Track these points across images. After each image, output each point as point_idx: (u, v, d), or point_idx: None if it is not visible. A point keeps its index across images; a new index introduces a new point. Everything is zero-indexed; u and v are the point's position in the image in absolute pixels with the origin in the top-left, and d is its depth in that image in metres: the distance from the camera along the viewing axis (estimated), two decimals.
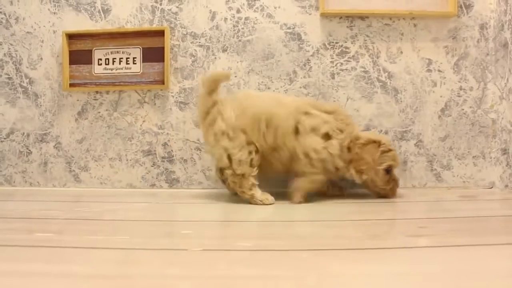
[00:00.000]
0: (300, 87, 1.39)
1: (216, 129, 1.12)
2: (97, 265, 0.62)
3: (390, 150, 1.14)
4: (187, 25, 1.41)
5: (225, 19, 1.40)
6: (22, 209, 1.07)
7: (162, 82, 1.39)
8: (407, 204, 1.13)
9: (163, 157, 1.41)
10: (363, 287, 0.53)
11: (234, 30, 1.40)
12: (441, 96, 1.39)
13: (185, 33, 1.41)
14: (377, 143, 1.13)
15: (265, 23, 1.40)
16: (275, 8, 1.40)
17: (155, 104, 1.41)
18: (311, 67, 1.39)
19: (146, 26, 1.41)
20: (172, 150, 1.41)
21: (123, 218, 0.97)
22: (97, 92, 1.42)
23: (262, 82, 1.39)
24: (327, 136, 1.11)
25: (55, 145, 1.43)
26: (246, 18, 1.40)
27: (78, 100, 1.42)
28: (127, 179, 1.41)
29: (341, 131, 1.12)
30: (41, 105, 1.43)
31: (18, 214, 1.00)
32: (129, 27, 1.41)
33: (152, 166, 1.41)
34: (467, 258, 0.64)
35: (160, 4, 1.41)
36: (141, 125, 1.41)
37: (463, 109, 1.39)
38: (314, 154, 1.09)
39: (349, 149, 1.13)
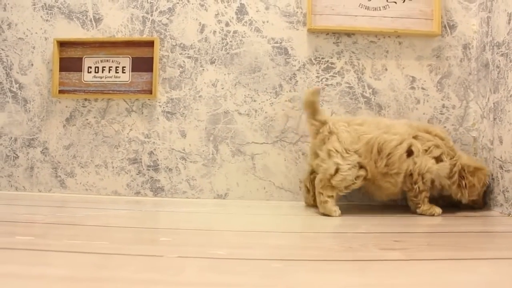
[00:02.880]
0: (286, 101, 1.41)
1: (330, 146, 1.19)
2: (73, 268, 0.63)
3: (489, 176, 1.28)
4: (177, 36, 1.43)
5: (214, 31, 1.43)
6: (5, 213, 1.08)
7: (150, 91, 1.41)
8: (387, 218, 1.15)
9: (148, 166, 1.42)
10: None
11: (222, 43, 1.43)
12: (424, 113, 1.42)
13: (174, 44, 1.43)
14: (483, 170, 1.25)
15: (253, 37, 1.42)
16: (263, 22, 1.43)
17: (142, 113, 1.43)
18: (297, 81, 1.42)
19: (136, 36, 1.43)
20: (157, 159, 1.42)
21: (105, 224, 0.98)
22: (85, 99, 1.44)
23: (248, 94, 1.42)
24: (438, 159, 1.21)
25: (42, 150, 1.45)
26: (235, 32, 1.43)
27: (66, 106, 1.44)
28: (112, 186, 1.42)
29: (452, 157, 1.23)
30: (29, 111, 1.45)
31: (1, 217, 1.01)
32: (120, 36, 1.43)
33: (137, 174, 1.42)
34: (436, 272, 0.66)
35: (151, 15, 1.44)
36: (128, 134, 1.43)
37: (445, 127, 1.42)
38: (428, 173, 1.19)
39: (460, 175, 1.23)
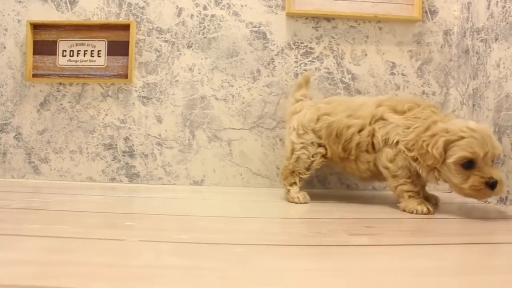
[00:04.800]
0: (263, 86, 1.39)
1: (290, 124, 1.20)
2: (29, 252, 0.61)
3: (461, 138, 0.93)
4: (154, 20, 1.41)
5: (192, 15, 1.40)
6: None
7: (126, 76, 1.39)
8: (364, 205, 1.14)
9: (124, 152, 1.40)
10: (285, 280, 0.53)
11: (200, 27, 1.40)
12: None
13: (151, 28, 1.40)
14: (443, 132, 0.95)
15: (231, 21, 1.40)
16: (241, 6, 1.40)
17: (118, 98, 1.41)
18: (275, 66, 1.39)
19: (112, 20, 1.40)
20: (133, 145, 1.40)
21: (73, 209, 0.96)
22: (60, 83, 1.41)
23: (225, 79, 1.39)
24: (395, 144, 1.05)
25: (15, 135, 1.42)
26: (213, 16, 1.40)
27: (40, 91, 1.41)
28: (87, 172, 1.40)
29: (407, 127, 1.03)
30: (2, 95, 1.42)
31: None
32: (95, 19, 1.40)
33: (112, 160, 1.40)
34: (401, 256, 0.65)
35: None
36: (103, 119, 1.41)
37: None
38: (392, 166, 1.05)
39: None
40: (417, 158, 1.00)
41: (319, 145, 1.15)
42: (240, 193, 1.27)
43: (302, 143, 1.15)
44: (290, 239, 0.75)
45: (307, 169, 1.15)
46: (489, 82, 1.23)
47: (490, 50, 1.23)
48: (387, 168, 1.05)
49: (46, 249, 0.63)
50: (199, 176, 1.39)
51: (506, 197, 1.13)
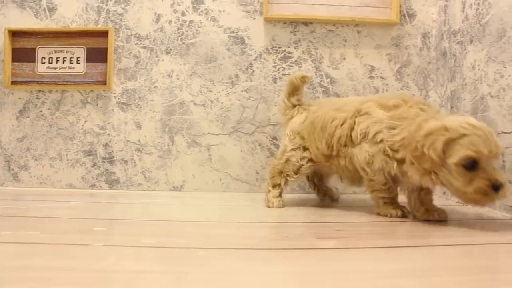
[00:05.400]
0: (242, 91, 1.39)
1: (285, 130, 1.20)
2: None
3: (463, 135, 0.82)
4: (132, 26, 1.41)
5: (170, 21, 1.41)
6: None
7: (105, 82, 1.39)
8: (341, 209, 1.14)
9: (103, 158, 1.40)
10: (239, 283, 0.53)
11: (178, 32, 1.41)
12: None
13: (130, 34, 1.41)
14: (442, 130, 0.84)
15: (209, 27, 1.40)
16: (219, 12, 1.40)
17: (97, 104, 1.41)
18: (253, 71, 1.40)
19: (91, 27, 1.41)
20: (113, 151, 1.40)
21: (47, 215, 0.97)
22: (39, 90, 1.41)
23: (204, 85, 1.40)
24: (376, 142, 0.96)
25: None
26: (191, 21, 1.41)
27: (20, 98, 1.41)
28: (67, 179, 1.40)
29: (393, 128, 0.94)
30: None
31: None
32: (74, 26, 1.41)
33: (92, 166, 1.40)
34: (367, 259, 0.65)
35: (106, 5, 1.41)
36: (82, 125, 1.41)
37: None
38: (368, 169, 0.98)
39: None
40: (403, 160, 0.90)
41: (304, 149, 1.14)
42: (219, 198, 1.27)
43: (293, 146, 1.15)
44: (257, 243, 0.75)
45: (296, 172, 1.13)
46: (465, 84, 1.23)
47: (466, 52, 1.23)
48: (363, 170, 0.99)
49: (10, 254, 0.63)
50: (179, 182, 1.39)
51: None
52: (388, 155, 0.94)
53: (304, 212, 1.07)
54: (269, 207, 1.12)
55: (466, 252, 0.70)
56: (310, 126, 1.12)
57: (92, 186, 1.40)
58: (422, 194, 0.98)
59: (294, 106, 1.22)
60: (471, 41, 1.20)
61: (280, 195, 1.14)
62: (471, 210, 1.11)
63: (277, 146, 1.39)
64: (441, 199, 1.25)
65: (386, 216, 0.99)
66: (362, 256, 0.67)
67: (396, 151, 0.93)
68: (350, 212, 1.09)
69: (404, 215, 0.98)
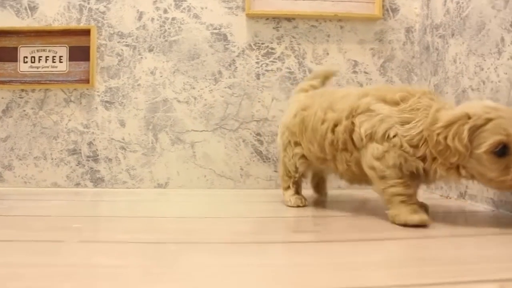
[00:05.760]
0: (225, 87, 1.39)
1: None
2: None
3: (488, 120, 0.75)
4: (115, 24, 1.41)
5: (152, 19, 1.40)
6: None
7: (88, 81, 1.39)
8: (328, 203, 1.14)
9: (88, 156, 1.40)
10: (205, 276, 0.53)
11: (160, 30, 1.40)
12: None
13: (112, 32, 1.40)
14: (464, 118, 0.76)
15: (191, 24, 1.40)
16: (202, 8, 1.40)
17: (81, 103, 1.40)
18: (236, 67, 1.40)
19: (73, 25, 1.40)
20: (97, 149, 1.40)
21: (26, 214, 0.96)
22: (22, 90, 1.41)
23: (187, 82, 1.40)
24: (389, 137, 0.84)
25: None
26: (173, 19, 1.40)
27: (2, 98, 1.41)
28: (52, 178, 1.40)
29: (407, 122, 0.83)
30: None
31: None
32: (56, 25, 1.40)
33: (77, 165, 1.40)
34: (339, 252, 0.65)
35: (88, 3, 1.41)
36: (66, 124, 1.40)
37: None
38: (379, 164, 0.84)
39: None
40: (424, 157, 0.81)
41: (296, 144, 1.04)
42: (203, 195, 1.26)
43: (282, 144, 1.08)
44: (232, 237, 0.75)
45: (295, 171, 1.06)
46: (447, 77, 1.23)
47: (448, 46, 1.23)
48: (373, 168, 0.85)
49: None
50: (163, 179, 1.39)
51: (465, 192, 1.13)
52: (406, 152, 0.81)
53: (288, 207, 1.06)
54: (288, 206, 1.05)
55: (441, 244, 0.70)
56: (301, 124, 1.02)
57: (77, 184, 1.40)
58: None
59: (303, 90, 1.14)
60: (453, 35, 1.21)
61: (297, 193, 1.08)
62: (454, 203, 1.11)
63: (261, 143, 1.39)
64: (425, 193, 1.25)
65: (403, 225, 0.80)
66: (334, 249, 0.67)
67: (416, 146, 0.81)
68: (334, 206, 1.09)
69: (424, 222, 0.80)
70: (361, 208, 1.07)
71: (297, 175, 1.06)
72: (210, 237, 0.75)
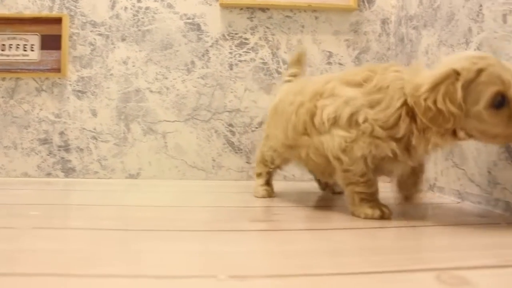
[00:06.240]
0: (198, 78, 1.38)
1: None
2: None
3: (480, 71, 0.67)
4: (87, 13, 1.39)
5: (125, 8, 1.39)
6: None
7: (60, 70, 1.37)
8: (296, 194, 1.13)
9: (59, 146, 1.39)
10: (147, 261, 0.53)
11: (134, 19, 1.39)
12: None
13: (85, 21, 1.39)
14: (452, 75, 0.67)
15: (165, 13, 1.39)
16: None
17: (52, 92, 1.39)
18: (209, 57, 1.38)
19: (44, 13, 1.39)
20: (68, 139, 1.39)
21: None
22: None
23: (160, 72, 1.38)
24: (357, 123, 0.76)
25: None
26: (147, 8, 1.39)
27: None
28: (22, 168, 1.39)
29: (377, 103, 0.75)
30: None
31: None
32: (28, 13, 1.39)
33: (48, 155, 1.39)
34: (287, 241, 0.65)
35: None
36: (38, 114, 1.39)
37: None
38: (345, 157, 0.77)
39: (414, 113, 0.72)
40: (407, 136, 0.73)
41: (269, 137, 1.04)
42: (174, 186, 1.26)
43: (264, 133, 1.08)
44: (187, 225, 0.75)
45: (271, 162, 1.03)
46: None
47: (421, 37, 1.23)
48: (338, 159, 0.78)
49: None
50: (135, 170, 1.38)
51: (434, 184, 1.13)
52: (379, 137, 0.74)
53: (252, 197, 1.05)
54: (256, 197, 1.04)
55: (392, 235, 0.70)
56: (273, 111, 0.99)
57: (48, 174, 1.39)
58: (416, 178, 0.86)
59: (285, 81, 1.09)
60: (425, 26, 1.20)
61: (267, 184, 1.05)
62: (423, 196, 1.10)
63: (233, 133, 1.38)
64: None
65: (360, 217, 0.79)
66: (285, 237, 0.67)
67: (394, 126, 0.73)
68: (303, 197, 1.08)
69: (383, 217, 0.77)
70: (328, 199, 1.06)
71: (272, 166, 1.04)
72: (168, 224, 0.75)
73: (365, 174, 0.78)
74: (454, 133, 0.70)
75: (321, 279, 0.46)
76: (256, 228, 0.73)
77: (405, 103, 0.73)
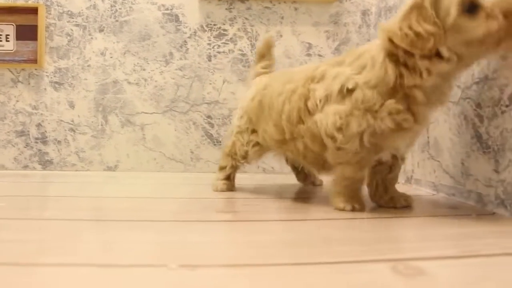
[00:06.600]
0: (176, 69, 1.37)
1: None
2: None
3: None
4: (64, 3, 1.37)
5: None
6: None
7: (36, 61, 1.36)
8: (273, 186, 1.13)
9: (36, 138, 1.37)
10: (103, 251, 0.52)
11: (111, 10, 1.37)
12: None
13: (62, 11, 1.37)
14: (418, 0, 0.68)
15: (143, 4, 1.37)
16: None
17: (29, 83, 1.37)
18: (187, 49, 1.37)
19: (20, 2, 1.37)
20: (46, 131, 1.37)
21: None
22: None
23: (138, 63, 1.37)
24: (348, 92, 0.74)
25: None
26: None
27: None
28: None
29: (362, 68, 0.74)
30: None
31: None
32: (2, 2, 1.36)
33: (25, 147, 1.37)
34: (252, 231, 0.65)
35: None
36: (14, 105, 1.37)
37: None
38: (340, 136, 0.75)
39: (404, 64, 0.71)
40: (401, 83, 0.71)
41: (253, 131, 0.98)
42: (152, 178, 1.25)
43: (239, 127, 1.00)
44: (152, 215, 0.75)
45: (243, 157, 0.99)
46: None
47: None
48: (333, 137, 0.75)
49: None
50: (113, 162, 1.37)
51: (411, 176, 1.13)
52: (374, 103, 0.72)
53: (234, 191, 1.04)
54: (214, 191, 1.01)
55: (357, 226, 0.70)
56: (258, 106, 0.95)
57: (25, 167, 1.37)
58: (388, 179, 0.84)
59: (258, 75, 1.05)
60: None
61: (227, 178, 1.02)
62: (401, 188, 1.11)
63: (212, 125, 1.38)
64: None
65: (337, 209, 0.79)
66: (248, 228, 0.67)
67: (383, 80, 0.71)
68: (278, 189, 1.07)
69: (354, 209, 0.77)
70: (308, 191, 1.05)
71: (242, 161, 1.01)
72: (139, 215, 0.75)
73: (359, 153, 0.75)
74: (440, 55, 0.69)
75: (275, 268, 0.46)
76: (224, 218, 0.73)
77: (386, 55, 0.72)
